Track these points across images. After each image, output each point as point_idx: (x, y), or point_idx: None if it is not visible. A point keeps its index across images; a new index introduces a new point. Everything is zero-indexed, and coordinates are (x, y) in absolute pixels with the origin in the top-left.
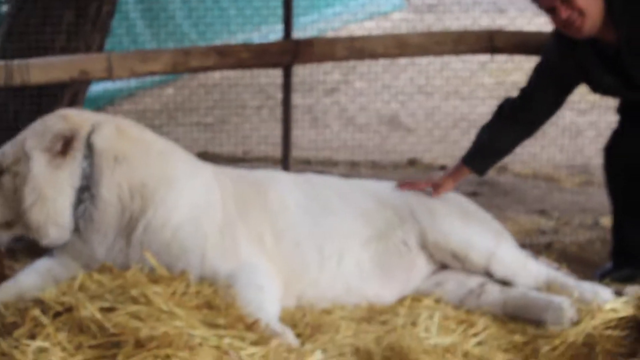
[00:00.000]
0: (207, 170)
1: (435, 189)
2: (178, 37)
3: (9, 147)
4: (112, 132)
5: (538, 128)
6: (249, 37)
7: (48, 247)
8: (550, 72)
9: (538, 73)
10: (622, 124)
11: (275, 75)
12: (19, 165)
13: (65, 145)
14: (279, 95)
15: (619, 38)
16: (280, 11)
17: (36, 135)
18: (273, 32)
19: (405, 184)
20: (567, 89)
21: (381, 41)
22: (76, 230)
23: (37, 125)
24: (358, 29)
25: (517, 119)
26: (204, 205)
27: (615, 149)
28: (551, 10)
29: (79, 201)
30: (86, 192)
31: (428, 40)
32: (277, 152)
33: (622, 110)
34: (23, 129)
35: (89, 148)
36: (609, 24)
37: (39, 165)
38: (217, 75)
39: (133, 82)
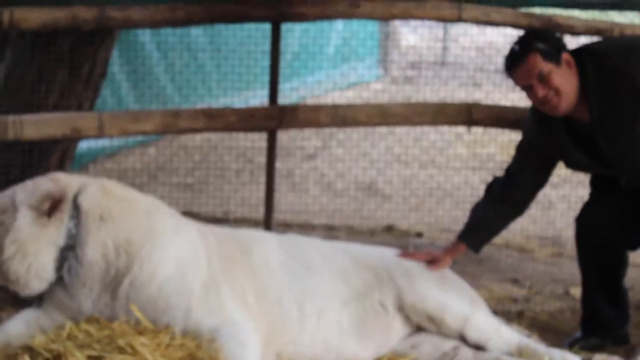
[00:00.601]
0: (192, 227)
1: (433, 263)
2: (161, 99)
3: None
4: (97, 191)
5: (527, 206)
6: (230, 101)
7: (27, 297)
8: (530, 150)
9: (520, 151)
10: (593, 195)
11: (255, 140)
12: (4, 216)
13: (52, 206)
14: (259, 159)
15: (591, 117)
16: (261, 78)
17: (26, 192)
18: (253, 97)
19: (405, 254)
20: (549, 165)
21: (364, 110)
22: (62, 284)
23: (29, 184)
24: (338, 97)
25: (506, 199)
26: (189, 262)
27: (585, 220)
28: (528, 88)
29: (62, 258)
30: (71, 250)
31: (409, 110)
32: (257, 213)
33: (593, 182)
34: (12, 183)
35: (76, 208)
36: (583, 102)
37: (25, 220)
38: (198, 137)
39: (116, 142)
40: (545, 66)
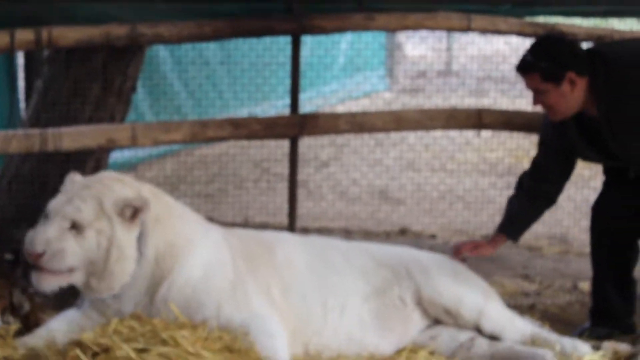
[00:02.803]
0: (216, 230)
1: (478, 248)
2: (180, 112)
3: (85, 206)
4: (151, 195)
5: (558, 195)
6: (247, 112)
7: (88, 299)
8: (549, 144)
9: (541, 145)
10: (606, 183)
11: (271, 151)
12: (99, 223)
13: (135, 213)
14: (275, 169)
15: (599, 114)
16: (276, 89)
17: (111, 199)
18: (269, 108)
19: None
20: (570, 157)
21: (380, 116)
22: None
23: (105, 189)
24: (350, 106)
25: (536, 191)
26: (216, 263)
27: (599, 207)
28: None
29: None
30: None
31: (422, 116)
32: (276, 220)
33: (606, 170)
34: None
35: None
36: (593, 100)
37: (120, 228)
38: (216, 150)
39: (140, 153)
40: (543, 86)
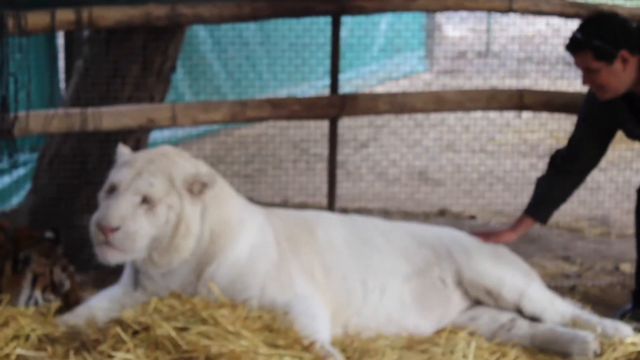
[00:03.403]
0: (260, 212)
1: (495, 237)
2: (219, 93)
3: (156, 181)
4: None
5: (587, 175)
6: (287, 92)
7: (143, 273)
8: (591, 119)
9: (581, 121)
10: None
11: (310, 132)
12: (169, 198)
13: (202, 188)
14: (314, 150)
15: None
16: (316, 69)
17: (181, 174)
18: (309, 89)
19: (477, 233)
20: (608, 135)
21: (420, 97)
22: None
23: (172, 164)
24: (394, 87)
25: (568, 170)
26: (261, 244)
27: None
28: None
29: None
30: None
31: (463, 97)
32: (315, 200)
33: None
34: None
35: None
36: None
37: (188, 203)
38: (255, 131)
39: (180, 132)
40: (594, 64)
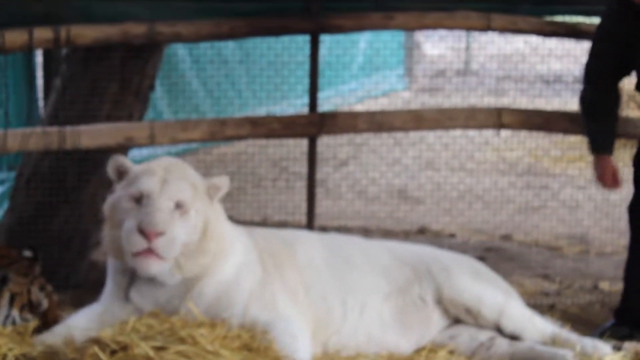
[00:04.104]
0: (241, 229)
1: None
2: (198, 111)
3: (185, 186)
4: None
5: (618, 91)
6: (266, 111)
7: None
8: (608, 36)
9: (596, 40)
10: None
11: (290, 150)
12: (196, 203)
13: (216, 192)
14: (294, 168)
15: None
16: (295, 88)
17: (198, 179)
18: (288, 107)
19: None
20: (624, 60)
21: (399, 116)
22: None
23: (185, 170)
24: (369, 106)
25: (597, 108)
26: (247, 262)
27: (634, 208)
28: None
29: None
30: None
31: (441, 115)
32: (294, 219)
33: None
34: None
35: None
36: None
37: (209, 207)
38: (234, 149)
39: (159, 151)
40: None
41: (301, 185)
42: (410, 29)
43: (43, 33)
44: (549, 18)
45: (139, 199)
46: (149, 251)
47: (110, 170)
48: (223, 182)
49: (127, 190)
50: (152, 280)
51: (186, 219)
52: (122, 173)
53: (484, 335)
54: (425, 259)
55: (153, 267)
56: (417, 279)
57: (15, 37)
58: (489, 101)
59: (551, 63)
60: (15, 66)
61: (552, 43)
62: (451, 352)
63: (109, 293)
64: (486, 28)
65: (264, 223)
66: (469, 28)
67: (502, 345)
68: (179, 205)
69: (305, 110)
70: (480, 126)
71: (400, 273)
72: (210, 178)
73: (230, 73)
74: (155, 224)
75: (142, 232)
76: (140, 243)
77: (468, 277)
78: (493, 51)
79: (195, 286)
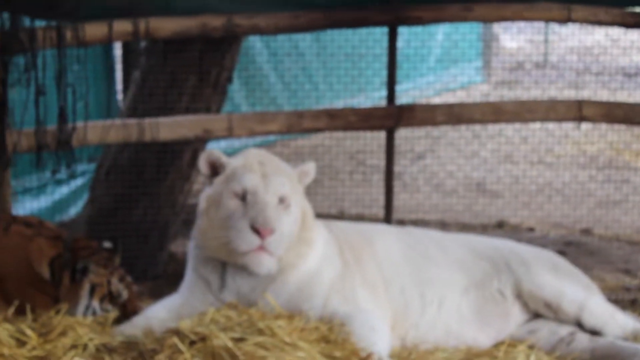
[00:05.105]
0: (320, 223)
1: None
2: (275, 104)
3: (284, 180)
4: None
5: None
6: (343, 104)
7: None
8: None
9: None
10: None
11: (366, 143)
12: (295, 195)
13: (305, 178)
14: (371, 161)
15: None
16: (372, 80)
17: (290, 169)
18: (365, 99)
19: None
20: None
21: (478, 108)
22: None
23: (276, 161)
24: (450, 98)
25: None
26: (328, 254)
27: None
28: None
29: None
30: None
31: (521, 107)
32: (371, 212)
33: None
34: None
35: None
36: None
37: (303, 196)
38: (311, 142)
39: (237, 143)
40: None
41: (378, 178)
42: (489, 20)
43: (122, 26)
44: (631, 9)
45: (243, 196)
46: (261, 248)
47: (204, 164)
48: (310, 168)
49: (229, 186)
50: (240, 271)
51: (289, 212)
52: (217, 168)
53: (564, 330)
54: (504, 253)
55: (265, 263)
56: (496, 273)
57: (95, 29)
58: (569, 94)
59: (633, 55)
60: (95, 59)
61: (635, 35)
62: (531, 347)
63: (189, 284)
64: (566, 19)
65: (340, 216)
66: (549, 19)
67: (583, 340)
68: (281, 200)
69: (382, 103)
70: (560, 119)
71: (478, 267)
72: (298, 165)
73: (307, 66)
74: (268, 222)
75: (256, 230)
76: (253, 241)
77: (548, 272)
78: (573, 43)
79: (279, 276)
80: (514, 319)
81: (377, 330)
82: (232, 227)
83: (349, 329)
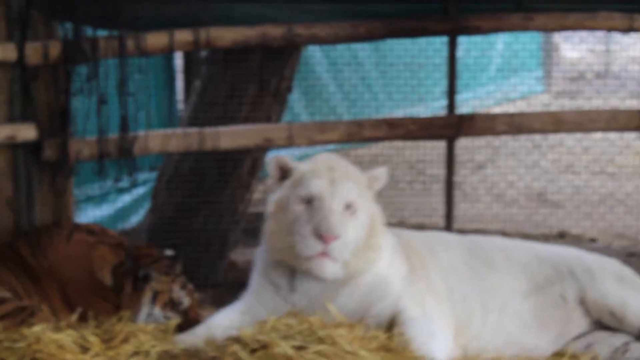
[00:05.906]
0: (388, 230)
1: None
2: (334, 114)
3: (352, 186)
4: None
5: None
6: (402, 113)
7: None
8: None
9: None
10: None
11: (426, 153)
12: (362, 201)
13: (375, 183)
14: (430, 171)
15: None
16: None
17: (359, 175)
18: (425, 109)
19: None
20: None
21: (538, 118)
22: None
23: (347, 166)
24: (511, 108)
25: None
26: (395, 258)
27: None
28: None
29: None
30: None
31: (582, 117)
32: (431, 221)
33: None
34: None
35: None
36: None
37: (373, 201)
38: (371, 151)
39: (291, 154)
40: None
41: (437, 188)
42: (549, 30)
43: (183, 35)
44: None
45: (309, 201)
46: (324, 254)
47: (272, 168)
48: (382, 174)
49: (296, 191)
50: (308, 275)
51: (355, 218)
52: (285, 172)
53: (618, 341)
54: (568, 259)
55: (327, 269)
56: (559, 278)
57: (156, 39)
58: (631, 104)
59: None
60: (157, 69)
61: None
62: (593, 359)
63: (256, 288)
64: (628, 29)
65: (400, 225)
66: (611, 29)
67: (637, 350)
68: (348, 206)
69: (442, 112)
70: (623, 128)
71: (541, 271)
72: (370, 170)
73: (366, 75)
74: (332, 228)
75: (319, 236)
76: (316, 247)
77: (613, 281)
78: (635, 53)
79: (350, 280)
80: (575, 324)
81: (437, 338)
82: (297, 231)
83: (409, 336)
